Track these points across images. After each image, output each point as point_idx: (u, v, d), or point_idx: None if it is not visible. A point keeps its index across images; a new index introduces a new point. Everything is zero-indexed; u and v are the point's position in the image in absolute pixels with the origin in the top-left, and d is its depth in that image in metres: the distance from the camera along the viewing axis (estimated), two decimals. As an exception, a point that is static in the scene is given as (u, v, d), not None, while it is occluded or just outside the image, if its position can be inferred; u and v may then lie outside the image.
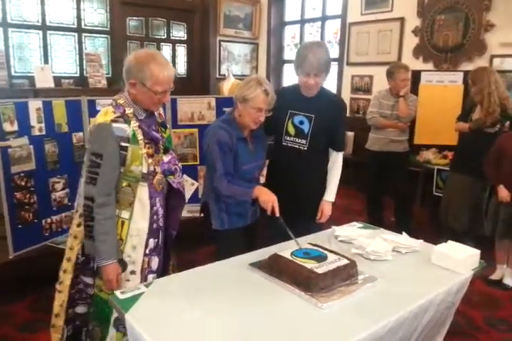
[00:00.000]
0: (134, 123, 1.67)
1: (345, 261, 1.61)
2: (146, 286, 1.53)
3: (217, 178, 2.01)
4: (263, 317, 1.36)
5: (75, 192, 2.79)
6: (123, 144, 1.64)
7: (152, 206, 1.76)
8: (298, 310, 1.41)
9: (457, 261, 1.72)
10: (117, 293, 1.47)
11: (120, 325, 1.70)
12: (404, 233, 2.05)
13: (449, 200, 3.51)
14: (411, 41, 4.87)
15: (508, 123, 3.39)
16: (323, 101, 2.19)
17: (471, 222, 3.37)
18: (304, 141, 2.18)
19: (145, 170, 1.70)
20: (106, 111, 1.67)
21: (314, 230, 2.13)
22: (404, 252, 1.90)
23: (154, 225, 1.79)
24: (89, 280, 1.80)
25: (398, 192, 3.84)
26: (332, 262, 1.60)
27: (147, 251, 1.78)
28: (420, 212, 4.28)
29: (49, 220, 2.74)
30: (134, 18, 5.68)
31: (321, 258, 1.63)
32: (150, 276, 1.81)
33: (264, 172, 2.47)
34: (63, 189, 2.79)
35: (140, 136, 1.68)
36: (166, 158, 1.81)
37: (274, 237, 1.93)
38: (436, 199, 4.03)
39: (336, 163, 2.26)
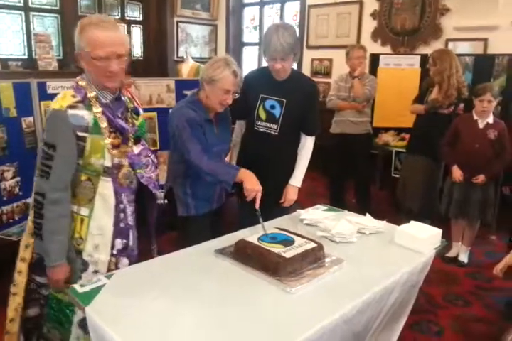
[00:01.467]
0: (97, 109, 1.49)
1: (312, 245, 1.60)
2: (108, 278, 1.45)
3: (195, 156, 1.89)
4: (232, 304, 1.33)
5: (27, 181, 2.66)
6: (80, 134, 1.47)
7: (118, 203, 1.60)
8: (267, 295, 1.39)
9: (420, 240, 1.75)
10: (76, 286, 1.39)
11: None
12: (367, 214, 2.07)
13: (405, 181, 3.59)
14: (369, 24, 4.91)
15: (462, 105, 3.50)
16: (295, 85, 2.15)
17: (426, 201, 3.47)
18: (275, 126, 2.15)
19: (108, 164, 1.54)
20: (64, 95, 1.49)
21: (279, 214, 2.12)
22: (369, 233, 1.92)
23: (121, 224, 1.63)
24: (43, 279, 1.63)
25: (359, 175, 3.89)
26: (299, 246, 1.59)
27: (114, 252, 1.63)
28: (379, 193, 4.38)
29: (-1, 211, 2.58)
30: (86, -4, 5.38)
31: (288, 242, 1.61)
32: None
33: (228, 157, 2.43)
34: (13, 177, 2.62)
35: (104, 124, 1.50)
36: (136, 149, 1.63)
37: (244, 221, 1.90)
38: (395, 180, 4.13)
39: (304, 146, 2.24)
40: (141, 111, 1.73)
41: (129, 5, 5.86)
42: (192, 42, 6.27)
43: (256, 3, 6.21)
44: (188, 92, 3.20)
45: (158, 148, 3.24)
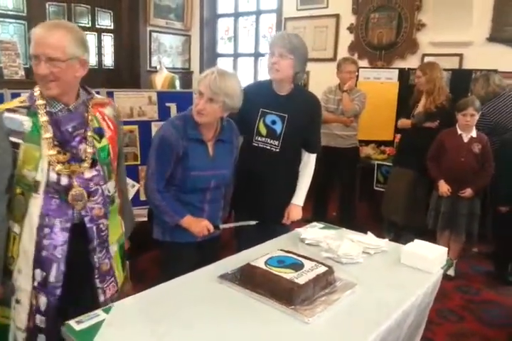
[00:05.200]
0: (43, 118, 1.38)
1: (323, 268, 1.51)
2: (106, 312, 1.31)
3: (148, 177, 1.80)
4: (244, 338, 1.23)
5: None
6: (14, 140, 1.37)
7: (43, 227, 1.41)
8: (282, 326, 1.29)
9: (428, 260, 1.70)
10: (72, 323, 1.24)
11: None
12: (369, 232, 2.01)
13: (391, 194, 3.59)
14: (346, 38, 4.93)
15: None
16: (298, 100, 2.05)
17: (412, 215, 3.47)
18: (276, 142, 2.04)
19: (40, 178, 1.38)
20: (15, 99, 1.45)
21: (280, 231, 2.03)
22: (373, 253, 1.85)
23: (43, 252, 1.42)
24: None
25: (344, 188, 3.86)
26: (310, 270, 1.49)
27: (35, 284, 1.44)
28: (359, 206, 4.35)
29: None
30: (54, 3, 5.16)
31: (297, 266, 1.52)
32: (38, 317, 1.45)
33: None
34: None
35: (47, 134, 1.38)
36: (87, 174, 1.47)
37: (240, 249, 1.81)
38: (376, 193, 4.13)
39: (307, 165, 2.16)
40: (106, 134, 1.55)
41: (100, 13, 5.66)
42: (165, 52, 6.13)
43: (230, 14, 6.16)
44: (171, 105, 3.12)
45: (139, 162, 3.08)
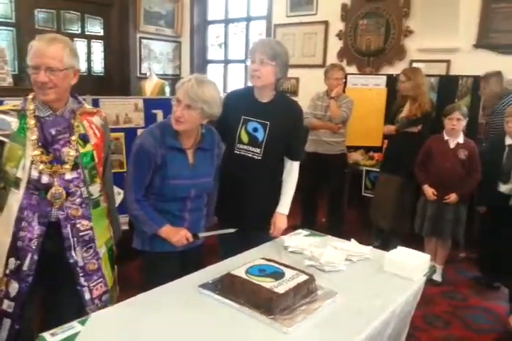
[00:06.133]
0: (31, 121, 1.53)
1: (304, 277, 1.51)
2: (82, 324, 1.29)
3: (126, 186, 1.79)
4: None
5: None
6: (0, 138, 1.51)
7: (21, 220, 1.53)
8: (261, 336, 1.28)
9: (410, 267, 1.70)
10: (46, 335, 1.23)
11: None
12: (352, 239, 2.00)
13: (378, 201, 3.60)
14: (335, 44, 4.96)
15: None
16: (280, 107, 2.03)
17: (399, 221, 3.48)
18: (257, 150, 2.01)
19: (20, 175, 1.51)
20: (11, 103, 1.60)
21: (262, 238, 2.02)
22: (356, 260, 1.85)
23: (19, 243, 1.54)
24: None
25: (332, 194, 3.87)
26: (291, 279, 1.48)
27: (7, 271, 1.56)
28: (347, 212, 4.35)
29: None
30: (43, 10, 5.15)
31: (278, 275, 1.51)
32: (6, 302, 1.57)
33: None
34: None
35: (34, 136, 1.52)
36: (68, 175, 1.57)
37: (224, 256, 1.79)
38: (365, 199, 4.13)
39: (291, 172, 2.13)
40: (91, 140, 1.66)
41: (90, 19, 5.66)
42: (155, 59, 6.13)
43: (221, 21, 6.18)
44: (157, 111, 3.11)
45: (125, 170, 3.05)
